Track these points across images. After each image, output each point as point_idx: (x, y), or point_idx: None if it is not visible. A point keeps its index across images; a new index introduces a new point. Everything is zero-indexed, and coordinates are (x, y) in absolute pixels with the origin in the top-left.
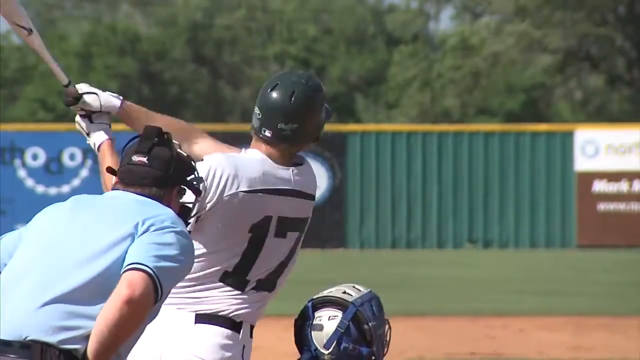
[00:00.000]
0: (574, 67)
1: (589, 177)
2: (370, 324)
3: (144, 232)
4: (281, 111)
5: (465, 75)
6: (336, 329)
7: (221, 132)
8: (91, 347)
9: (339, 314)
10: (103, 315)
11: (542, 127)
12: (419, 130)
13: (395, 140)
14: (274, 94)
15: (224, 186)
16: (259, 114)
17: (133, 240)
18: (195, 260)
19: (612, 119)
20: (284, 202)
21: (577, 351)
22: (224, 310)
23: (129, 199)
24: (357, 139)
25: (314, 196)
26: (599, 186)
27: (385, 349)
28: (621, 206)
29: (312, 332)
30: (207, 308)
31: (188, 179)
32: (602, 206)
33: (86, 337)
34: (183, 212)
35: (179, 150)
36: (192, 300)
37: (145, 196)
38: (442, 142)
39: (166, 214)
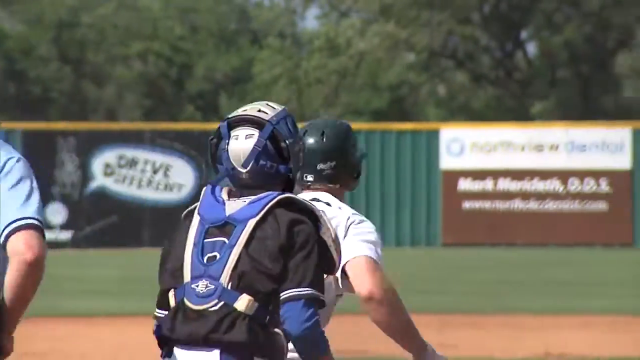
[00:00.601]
0: (438, 67)
1: (454, 176)
2: (287, 142)
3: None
4: (316, 152)
5: (331, 74)
6: (254, 148)
7: (85, 130)
8: (7, 304)
9: (256, 132)
10: (11, 283)
11: (408, 125)
12: None
13: None
14: (307, 140)
15: None
16: None
17: None
18: None
19: (477, 117)
20: None
21: (442, 349)
22: None
23: None
24: None
25: None
26: (464, 184)
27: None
28: (486, 204)
29: (229, 150)
30: None
31: None
32: (467, 204)
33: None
34: None
35: None
36: None
37: None
38: None
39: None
